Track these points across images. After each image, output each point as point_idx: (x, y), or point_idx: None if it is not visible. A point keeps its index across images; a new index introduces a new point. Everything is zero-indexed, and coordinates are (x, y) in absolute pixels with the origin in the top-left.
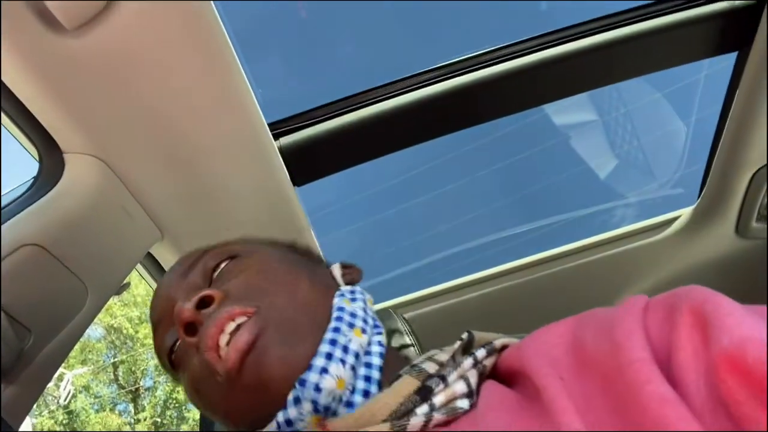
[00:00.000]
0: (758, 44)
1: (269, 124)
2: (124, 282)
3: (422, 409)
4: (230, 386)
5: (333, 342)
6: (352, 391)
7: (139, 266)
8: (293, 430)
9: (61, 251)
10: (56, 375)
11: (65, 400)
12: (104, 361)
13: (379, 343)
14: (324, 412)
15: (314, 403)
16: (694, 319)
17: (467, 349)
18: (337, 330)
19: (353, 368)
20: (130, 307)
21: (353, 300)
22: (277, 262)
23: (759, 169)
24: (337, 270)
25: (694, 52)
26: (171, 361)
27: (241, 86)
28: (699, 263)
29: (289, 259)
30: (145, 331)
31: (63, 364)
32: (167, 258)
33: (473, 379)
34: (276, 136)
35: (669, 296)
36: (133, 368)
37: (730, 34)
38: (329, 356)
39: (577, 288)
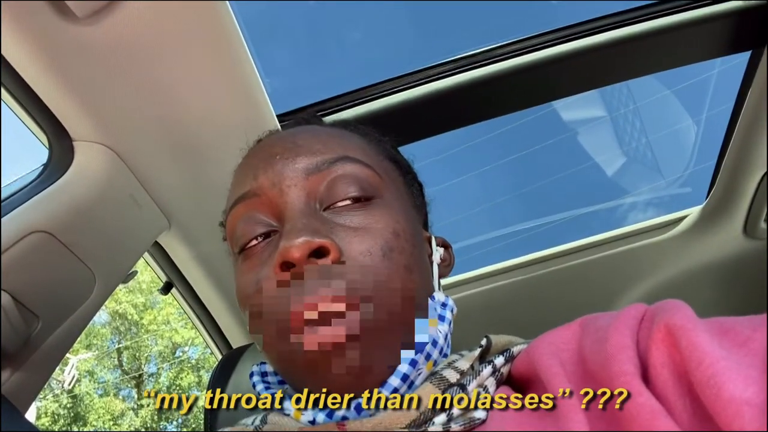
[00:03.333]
0: None
1: (278, 116)
2: (131, 270)
3: (440, 418)
4: (295, 358)
5: (404, 378)
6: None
7: (146, 255)
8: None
9: (70, 238)
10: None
11: (69, 384)
12: (108, 347)
13: (435, 363)
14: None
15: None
16: (666, 337)
17: (484, 355)
18: (414, 364)
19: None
20: (135, 293)
21: (441, 320)
22: (405, 242)
23: None
24: (437, 255)
25: (707, 50)
26: (243, 247)
27: (251, 77)
28: (706, 262)
29: (415, 232)
30: (150, 317)
31: (71, 351)
32: (174, 247)
33: (491, 388)
34: (284, 128)
35: (655, 308)
36: (137, 354)
37: (743, 32)
38: (395, 390)
39: (583, 285)
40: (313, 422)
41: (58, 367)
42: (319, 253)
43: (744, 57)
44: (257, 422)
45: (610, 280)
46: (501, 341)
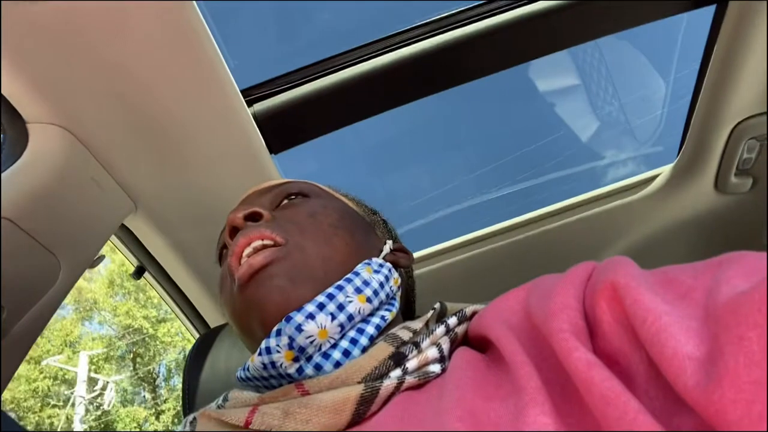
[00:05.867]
0: None
1: (242, 90)
2: (98, 255)
3: (395, 373)
4: (237, 294)
5: (330, 296)
6: (334, 346)
7: (115, 239)
8: (270, 359)
9: (30, 224)
10: (100, 384)
11: (109, 405)
12: (123, 356)
13: (382, 318)
14: (299, 352)
15: (291, 339)
16: (612, 294)
17: (440, 317)
18: (340, 288)
19: (342, 326)
20: (148, 308)
21: (375, 271)
22: (331, 212)
23: (738, 123)
24: (387, 246)
25: (672, 6)
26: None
27: (211, 51)
28: (679, 220)
29: (348, 214)
30: (164, 330)
31: (103, 372)
32: (143, 229)
33: (445, 345)
34: (249, 103)
35: (602, 266)
36: (152, 364)
37: None
38: (321, 306)
39: (559, 249)
40: (260, 353)
41: (97, 392)
42: (255, 219)
43: (709, 12)
44: (220, 401)
45: (585, 243)
46: (457, 307)
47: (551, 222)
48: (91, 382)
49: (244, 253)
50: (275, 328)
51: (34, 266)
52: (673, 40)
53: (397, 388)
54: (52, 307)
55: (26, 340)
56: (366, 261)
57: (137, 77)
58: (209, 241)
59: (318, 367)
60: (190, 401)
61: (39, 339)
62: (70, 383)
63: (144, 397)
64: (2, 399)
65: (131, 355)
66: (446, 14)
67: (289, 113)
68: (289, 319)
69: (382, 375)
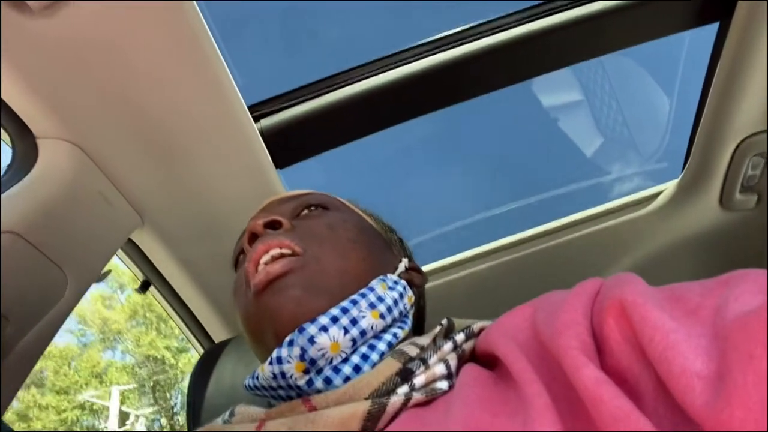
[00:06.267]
0: (739, 14)
1: (249, 106)
2: (105, 269)
3: (403, 389)
4: (252, 300)
5: (344, 310)
6: (344, 360)
7: (121, 253)
8: (281, 369)
9: (38, 238)
10: (132, 418)
11: None
12: (143, 384)
13: (394, 335)
14: (310, 364)
15: (303, 350)
16: (620, 311)
17: (447, 333)
18: (354, 302)
19: (354, 341)
20: (170, 338)
21: (390, 288)
22: (350, 226)
23: (742, 140)
24: (402, 264)
25: (675, 24)
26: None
27: (219, 68)
28: (684, 236)
29: (366, 229)
30: (185, 360)
31: (127, 403)
32: (149, 244)
33: (453, 362)
34: (256, 119)
35: (609, 282)
36: (170, 392)
37: (710, 4)
38: (335, 319)
39: (564, 264)
40: (271, 362)
41: (129, 425)
42: (275, 227)
43: (712, 29)
44: (226, 416)
45: (590, 259)
46: (464, 323)
47: (556, 238)
48: (122, 415)
49: (262, 261)
50: (288, 338)
51: (42, 280)
52: (677, 56)
53: (405, 405)
54: (58, 321)
55: (31, 355)
56: (381, 277)
57: (145, 93)
58: (215, 256)
59: (328, 381)
60: (195, 416)
61: (67, 370)
62: (97, 413)
63: (161, 423)
64: (31, 427)
65: (152, 383)
66: (451, 31)
67: (295, 129)
68: (302, 330)
69: (390, 391)
